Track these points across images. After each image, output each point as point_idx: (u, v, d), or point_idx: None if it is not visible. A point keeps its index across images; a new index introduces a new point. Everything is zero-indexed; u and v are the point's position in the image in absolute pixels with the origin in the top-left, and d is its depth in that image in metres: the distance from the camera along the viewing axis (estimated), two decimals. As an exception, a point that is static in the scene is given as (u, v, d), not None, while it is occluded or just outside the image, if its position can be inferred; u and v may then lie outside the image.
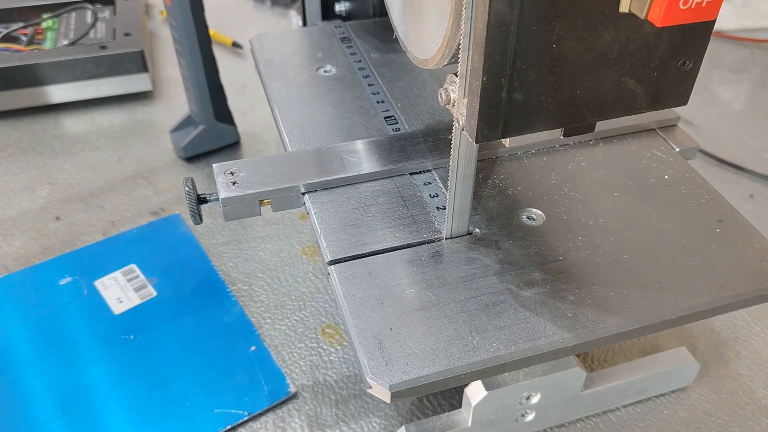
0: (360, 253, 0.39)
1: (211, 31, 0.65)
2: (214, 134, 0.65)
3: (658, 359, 0.45)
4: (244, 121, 0.69)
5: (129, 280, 0.53)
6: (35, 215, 0.60)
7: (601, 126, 0.45)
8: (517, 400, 0.40)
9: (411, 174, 0.44)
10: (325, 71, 0.54)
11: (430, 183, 0.44)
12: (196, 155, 0.65)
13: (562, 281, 0.38)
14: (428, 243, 0.40)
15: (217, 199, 0.42)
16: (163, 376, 0.46)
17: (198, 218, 0.42)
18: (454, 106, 0.33)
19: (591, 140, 0.48)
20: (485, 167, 0.45)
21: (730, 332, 0.50)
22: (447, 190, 0.40)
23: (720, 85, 0.77)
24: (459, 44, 0.31)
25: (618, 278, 0.38)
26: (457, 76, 0.33)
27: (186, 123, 0.64)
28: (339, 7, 0.63)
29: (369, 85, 0.52)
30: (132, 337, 0.49)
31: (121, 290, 0.52)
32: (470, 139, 0.32)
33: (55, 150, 0.67)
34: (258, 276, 0.54)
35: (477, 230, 0.41)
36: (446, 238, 0.40)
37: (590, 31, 0.29)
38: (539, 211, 0.42)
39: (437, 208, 0.42)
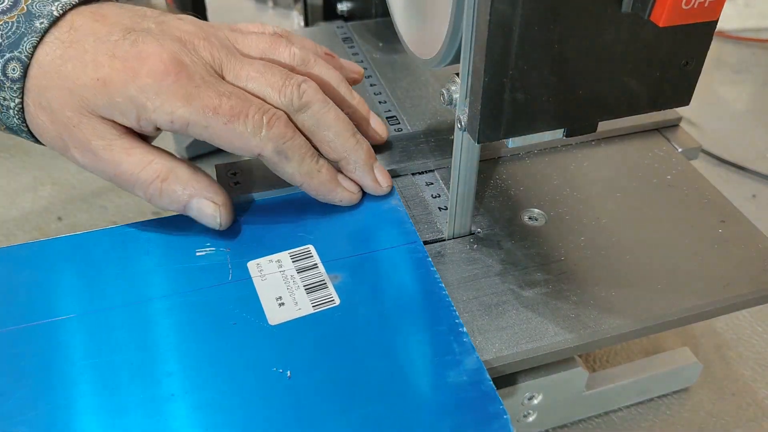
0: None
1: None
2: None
3: (661, 360, 0.45)
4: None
5: (300, 271, 0.36)
6: (37, 215, 0.60)
7: (603, 126, 0.45)
8: (519, 400, 0.39)
9: (413, 174, 0.44)
10: (327, 71, 0.54)
11: (432, 183, 0.44)
12: (199, 155, 0.65)
13: (564, 282, 0.38)
14: (430, 243, 0.40)
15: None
16: None
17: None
18: (456, 106, 0.33)
19: (593, 140, 0.48)
20: (487, 167, 0.45)
21: (733, 333, 0.50)
22: (449, 190, 0.40)
23: (722, 85, 0.77)
24: (461, 44, 0.31)
25: (620, 278, 0.38)
26: (458, 76, 0.33)
27: (188, 123, 0.65)
28: (341, 8, 0.63)
29: (371, 85, 0.52)
30: (289, 374, 0.32)
31: (285, 284, 0.36)
32: (472, 140, 0.32)
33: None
34: (260, 276, 0.54)
35: (479, 230, 0.41)
36: (448, 239, 0.40)
37: (592, 32, 0.29)
38: (541, 212, 0.42)
39: (439, 208, 0.42)
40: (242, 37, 0.40)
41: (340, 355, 0.33)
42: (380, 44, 0.57)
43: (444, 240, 0.40)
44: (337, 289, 0.35)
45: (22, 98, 0.35)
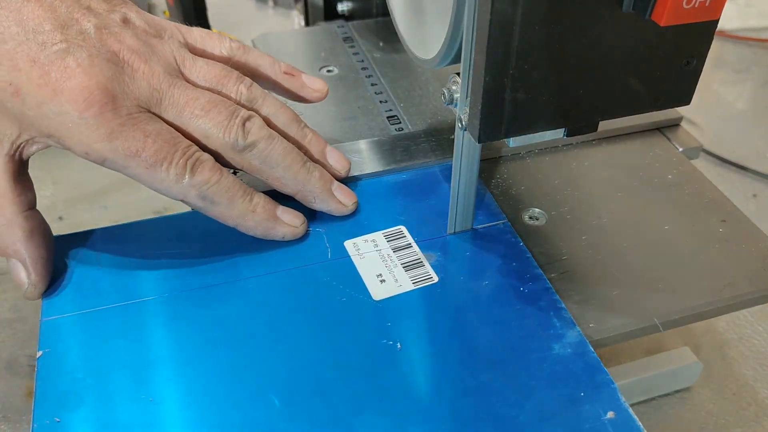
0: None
1: (214, 31, 0.65)
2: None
3: (662, 359, 0.45)
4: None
5: (395, 250, 0.38)
6: (39, 215, 0.60)
7: (604, 126, 0.45)
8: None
9: (414, 174, 0.44)
10: (327, 71, 0.54)
11: (432, 183, 0.44)
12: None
13: (565, 281, 0.38)
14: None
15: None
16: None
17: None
18: (456, 105, 0.33)
19: (594, 140, 0.48)
20: (488, 167, 0.45)
21: (734, 332, 0.50)
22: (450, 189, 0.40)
23: (723, 85, 0.77)
24: (461, 44, 0.31)
25: (621, 278, 0.38)
26: (459, 75, 0.33)
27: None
28: (341, 7, 0.63)
29: (372, 84, 0.52)
30: (399, 345, 0.33)
31: (383, 263, 0.37)
32: (473, 139, 0.32)
33: (59, 150, 0.67)
34: (261, 276, 0.54)
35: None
36: (449, 235, 0.40)
37: (593, 31, 0.29)
38: (542, 211, 0.42)
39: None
40: (191, 62, 0.36)
41: (446, 329, 0.34)
42: (381, 44, 0.57)
43: (445, 236, 0.40)
44: (433, 267, 0.37)
45: None
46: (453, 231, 0.40)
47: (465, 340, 0.33)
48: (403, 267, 0.37)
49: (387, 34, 0.58)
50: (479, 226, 0.39)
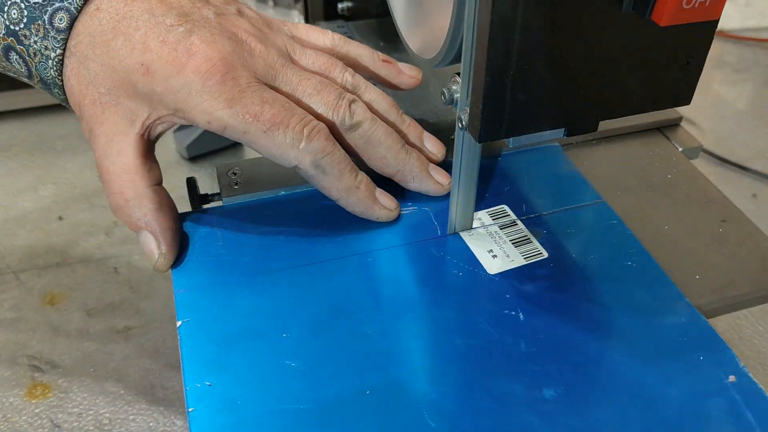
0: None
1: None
2: (217, 134, 0.65)
3: (661, 359, 0.45)
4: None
5: (502, 228, 0.39)
6: (39, 215, 0.60)
7: (604, 125, 0.45)
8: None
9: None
10: (327, 71, 0.54)
11: (432, 183, 0.44)
12: (199, 155, 0.65)
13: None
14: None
15: (220, 199, 0.42)
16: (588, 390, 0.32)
17: (201, 218, 0.42)
18: (457, 105, 0.33)
19: (593, 140, 0.48)
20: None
21: (734, 332, 0.50)
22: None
23: (723, 85, 0.77)
24: (461, 44, 0.31)
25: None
26: (459, 75, 0.33)
27: (189, 123, 0.65)
28: (341, 7, 0.63)
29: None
30: (521, 315, 0.35)
31: (492, 239, 0.38)
32: (473, 139, 0.32)
33: (59, 150, 0.67)
34: (261, 276, 0.54)
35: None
36: (449, 234, 0.40)
37: (593, 31, 0.29)
38: (542, 211, 0.42)
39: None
40: (300, 50, 0.39)
41: (564, 300, 0.35)
42: (381, 44, 0.57)
43: (446, 236, 0.40)
44: (541, 243, 0.38)
45: (64, 51, 0.34)
46: (453, 231, 0.40)
47: (583, 310, 0.35)
48: (512, 243, 0.38)
49: (387, 34, 0.58)
50: (578, 205, 0.41)
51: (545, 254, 0.38)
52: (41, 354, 0.49)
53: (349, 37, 0.58)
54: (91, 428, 0.44)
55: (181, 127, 0.65)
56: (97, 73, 0.34)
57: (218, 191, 0.42)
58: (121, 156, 0.35)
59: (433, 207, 0.41)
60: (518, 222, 0.40)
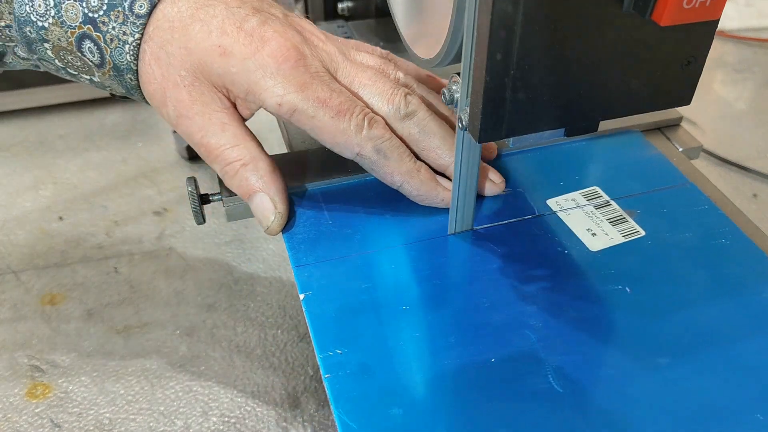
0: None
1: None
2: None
3: (662, 359, 0.45)
4: (247, 121, 0.69)
5: (597, 207, 0.41)
6: (39, 215, 0.60)
7: (604, 125, 0.45)
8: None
9: (414, 174, 0.44)
10: (327, 71, 0.54)
11: (433, 183, 0.44)
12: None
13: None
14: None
15: (220, 199, 0.42)
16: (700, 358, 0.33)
17: (201, 218, 0.42)
18: (457, 105, 0.33)
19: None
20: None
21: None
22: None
23: (723, 85, 0.77)
24: (462, 43, 0.31)
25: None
26: (459, 75, 0.33)
27: (189, 123, 0.65)
28: (342, 7, 0.63)
29: (372, 84, 0.52)
30: (628, 289, 0.36)
31: (589, 218, 0.40)
32: (473, 139, 0.32)
33: (59, 150, 0.67)
34: (261, 276, 0.54)
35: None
36: (450, 236, 0.40)
37: (593, 31, 0.29)
38: (543, 211, 0.42)
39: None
40: (354, 51, 0.42)
41: (666, 275, 0.37)
42: (381, 44, 0.57)
43: (446, 236, 0.40)
44: (637, 222, 0.40)
45: (142, 35, 0.36)
46: (453, 231, 0.40)
47: (686, 284, 0.37)
48: (609, 222, 0.40)
49: (387, 34, 0.58)
50: (667, 186, 0.42)
51: (642, 232, 0.39)
52: (41, 354, 0.49)
53: (349, 37, 0.58)
54: (91, 428, 0.44)
55: (181, 127, 0.65)
56: (174, 55, 0.36)
57: (218, 191, 0.42)
58: (227, 128, 0.37)
59: (526, 188, 0.42)
60: (612, 202, 0.41)
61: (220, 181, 0.43)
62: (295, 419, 0.45)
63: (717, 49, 0.81)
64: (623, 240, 0.39)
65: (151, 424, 0.45)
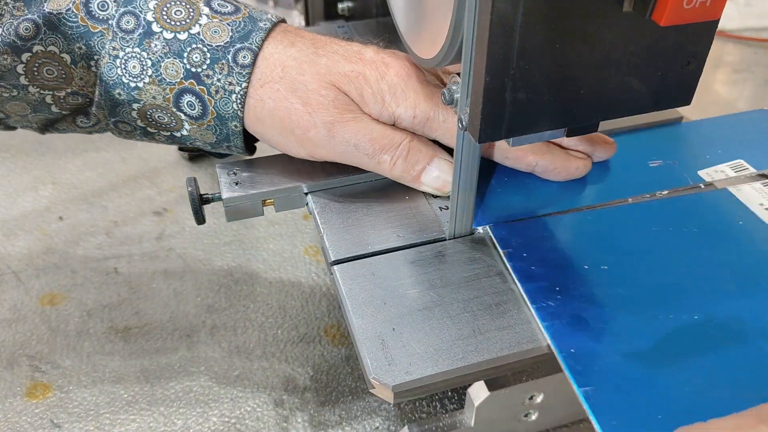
0: (363, 253, 0.39)
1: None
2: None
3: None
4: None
5: (765, 186, 0.43)
6: (38, 215, 0.60)
7: (604, 126, 0.45)
8: (521, 400, 0.39)
9: (414, 174, 0.44)
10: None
11: (432, 183, 0.44)
12: (199, 155, 0.65)
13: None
14: (431, 243, 0.40)
15: (220, 200, 0.42)
16: None
17: (201, 218, 0.42)
18: (457, 106, 0.33)
19: (594, 140, 0.48)
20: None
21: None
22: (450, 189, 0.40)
23: (723, 85, 0.77)
24: (462, 43, 0.31)
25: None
26: (459, 75, 0.32)
27: (189, 123, 0.65)
28: (342, 7, 0.63)
29: (372, 85, 0.52)
30: None
31: (759, 194, 0.42)
32: (473, 140, 0.32)
33: (59, 150, 0.67)
34: (261, 276, 0.54)
35: (480, 230, 0.41)
36: (449, 238, 0.40)
37: (593, 31, 0.29)
38: (543, 211, 0.42)
39: (440, 208, 0.42)
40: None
41: None
42: (381, 44, 0.57)
43: (445, 240, 0.40)
44: None
45: (248, 84, 0.39)
46: (452, 235, 0.40)
47: None
48: None
49: (387, 34, 0.58)
50: None
51: None
52: (41, 354, 0.49)
53: (349, 37, 0.58)
54: (91, 428, 0.44)
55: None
56: (312, 81, 0.40)
57: (218, 191, 0.42)
58: (377, 123, 0.40)
59: (679, 161, 0.45)
60: None
61: (220, 182, 0.43)
62: (295, 419, 0.45)
63: (717, 49, 0.81)
64: None
65: (151, 424, 0.45)
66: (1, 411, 0.45)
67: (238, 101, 0.39)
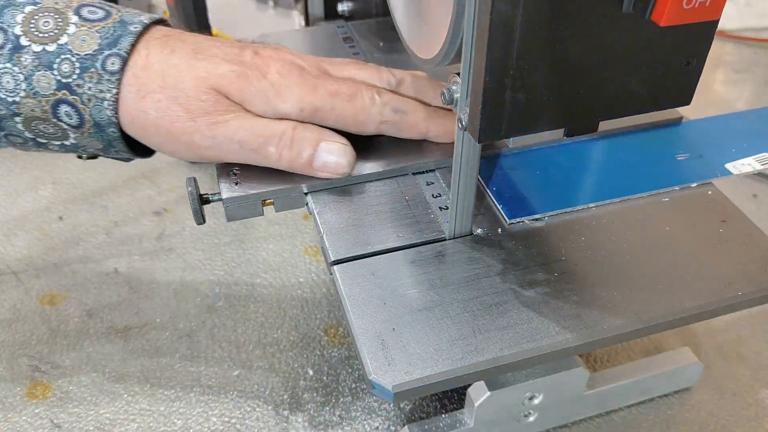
0: (363, 253, 0.39)
1: (214, 31, 0.65)
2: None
3: (662, 360, 0.45)
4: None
5: None
6: (38, 215, 0.60)
7: (604, 126, 0.45)
8: (520, 400, 0.40)
9: (414, 174, 0.44)
10: (327, 71, 0.54)
11: (432, 183, 0.44)
12: (199, 155, 0.65)
13: (564, 281, 0.38)
14: (431, 243, 0.40)
15: (220, 199, 0.42)
16: None
17: (201, 218, 0.42)
18: (456, 105, 0.33)
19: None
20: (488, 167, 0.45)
21: (734, 333, 0.50)
22: (450, 190, 0.40)
23: (723, 85, 0.77)
24: (461, 43, 0.31)
25: (621, 278, 0.38)
26: (459, 75, 0.33)
27: (189, 123, 0.65)
28: (342, 7, 0.63)
29: (372, 85, 0.52)
30: None
31: None
32: (473, 140, 0.32)
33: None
34: (261, 276, 0.54)
35: (480, 230, 0.41)
36: (449, 238, 0.40)
37: (593, 31, 0.29)
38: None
39: (440, 208, 0.42)
40: (328, 59, 0.46)
41: None
42: (381, 44, 0.57)
43: (445, 240, 0.40)
44: None
45: (118, 89, 0.39)
46: (452, 236, 0.40)
47: None
48: None
49: (387, 34, 0.58)
50: None
51: None
52: (41, 354, 0.49)
53: (349, 36, 0.58)
54: (91, 428, 0.44)
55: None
56: (192, 87, 0.40)
57: (218, 191, 0.42)
58: (260, 119, 0.41)
59: (705, 154, 0.46)
60: None
61: (220, 182, 0.43)
62: (295, 419, 0.45)
63: (717, 49, 0.81)
64: None
65: (151, 424, 0.45)
66: (1, 411, 0.45)
67: (111, 107, 0.39)
